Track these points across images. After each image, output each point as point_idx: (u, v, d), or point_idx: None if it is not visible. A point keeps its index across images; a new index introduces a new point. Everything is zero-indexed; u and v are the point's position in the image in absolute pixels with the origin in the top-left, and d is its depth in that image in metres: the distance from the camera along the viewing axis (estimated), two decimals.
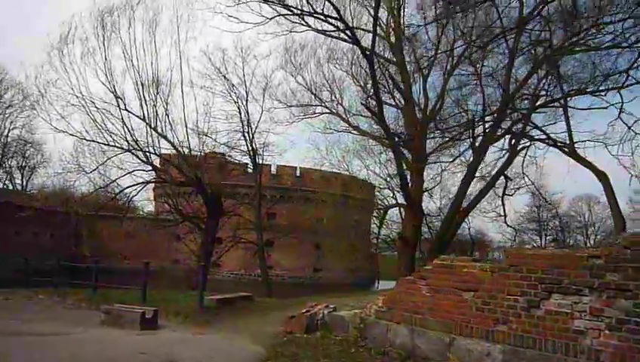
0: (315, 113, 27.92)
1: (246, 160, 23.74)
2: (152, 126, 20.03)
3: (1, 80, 50.21)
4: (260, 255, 24.21)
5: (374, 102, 20.33)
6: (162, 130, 20.21)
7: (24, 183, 58.51)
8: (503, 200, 25.86)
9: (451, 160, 24.42)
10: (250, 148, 23.05)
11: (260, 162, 23.48)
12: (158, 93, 20.22)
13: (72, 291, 15.42)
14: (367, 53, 16.94)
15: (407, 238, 21.10)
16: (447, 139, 22.65)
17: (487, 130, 21.03)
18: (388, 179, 25.52)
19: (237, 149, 23.23)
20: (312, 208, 53.30)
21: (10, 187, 56.45)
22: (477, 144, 21.87)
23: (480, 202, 23.84)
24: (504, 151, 22.88)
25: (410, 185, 20.66)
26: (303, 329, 9.76)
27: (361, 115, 26.66)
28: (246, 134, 23.13)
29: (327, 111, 27.25)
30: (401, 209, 24.79)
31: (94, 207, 22.27)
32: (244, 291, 17.37)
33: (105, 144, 19.36)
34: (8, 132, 55.45)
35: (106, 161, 18.99)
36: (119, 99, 19.77)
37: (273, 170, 50.72)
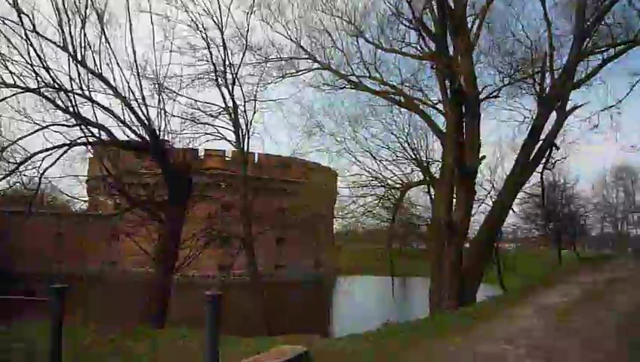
0: (301, 70, 20.43)
1: (223, 121, 15.62)
2: (79, 59, 11.91)
3: None
4: (249, 252, 16.30)
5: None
6: (97, 68, 12.13)
7: None
8: (542, 175, 19.61)
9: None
10: (229, 104, 15.04)
11: (246, 124, 15.52)
12: (87, 10, 12.12)
13: None
14: None
15: (457, 225, 14.19)
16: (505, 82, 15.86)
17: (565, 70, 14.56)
18: (407, 148, 18.39)
19: (209, 104, 15.20)
20: (272, 198, 45.86)
21: None
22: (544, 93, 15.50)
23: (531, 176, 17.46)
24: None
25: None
26: None
27: (355, 75, 19.55)
28: (222, 84, 15.16)
29: (318, 66, 19.86)
30: (430, 186, 17.90)
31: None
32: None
33: None
34: None
35: None
36: (22, 15, 11.47)
37: (228, 155, 42.83)
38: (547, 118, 15.35)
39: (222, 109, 15.37)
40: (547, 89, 15.21)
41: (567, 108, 16.54)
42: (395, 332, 7.63)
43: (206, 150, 41.30)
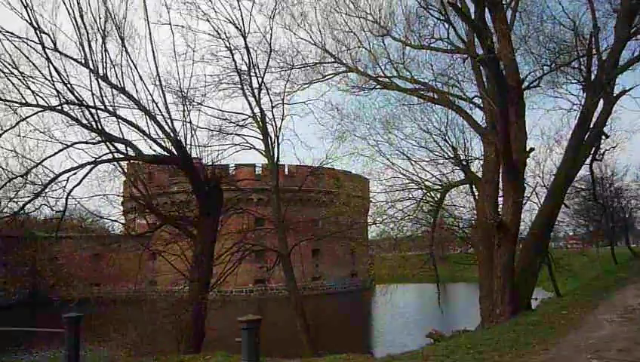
0: (328, 74, 19.65)
1: (252, 130, 14.95)
2: (101, 74, 11.48)
3: None
4: (286, 266, 15.44)
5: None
6: (119, 82, 11.68)
7: None
8: (591, 167, 18.26)
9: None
10: (256, 112, 14.34)
11: (275, 131, 14.78)
12: (107, 23, 11.72)
13: None
14: None
15: (508, 225, 13.05)
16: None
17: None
18: (444, 146, 17.33)
19: (235, 115, 14.60)
20: (305, 209, 45.17)
21: None
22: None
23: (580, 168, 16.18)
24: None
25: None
26: None
27: (385, 75, 18.65)
28: (248, 92, 14.52)
29: (345, 69, 19.06)
30: (473, 187, 16.76)
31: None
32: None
33: (17, 102, 10.65)
34: None
35: (18, 122, 10.32)
36: (44, 35, 11.13)
37: (258, 170, 42.57)
38: (596, 105, 14.12)
39: (248, 117, 14.74)
40: (594, 73, 14.01)
41: (615, 92, 15.37)
42: (459, 347, 6.64)
43: (236, 164, 41.18)
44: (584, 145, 15.00)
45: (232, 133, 14.58)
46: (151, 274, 40.19)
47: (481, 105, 16.30)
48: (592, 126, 14.93)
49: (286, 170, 44.01)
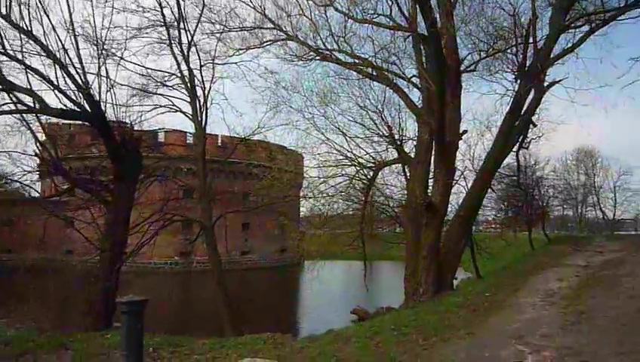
0: (266, 41, 18.73)
1: (178, 91, 13.78)
2: (2, 13, 9.98)
3: None
4: (209, 239, 14.58)
5: None
6: (25, 24, 10.22)
7: None
8: (517, 155, 18.85)
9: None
10: (183, 69, 13.27)
11: (204, 93, 13.75)
12: None
13: None
14: None
15: (436, 205, 13.06)
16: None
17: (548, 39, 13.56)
18: (380, 124, 17.07)
19: (161, 74, 13.40)
20: (237, 183, 44.03)
21: None
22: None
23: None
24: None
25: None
26: None
27: (325, 48, 18.06)
28: (176, 50, 13.35)
29: (284, 37, 18.24)
30: (405, 167, 16.71)
31: None
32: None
33: None
34: None
35: None
36: None
37: (190, 139, 40.74)
38: (529, 93, 14.34)
39: (174, 76, 13.56)
40: (529, 61, 14.18)
41: (546, 83, 15.72)
42: (383, 328, 6.33)
43: (165, 130, 39.25)
44: (512, 132, 15.29)
45: (155, 93, 13.42)
46: (67, 243, 37.69)
47: (419, 85, 16.18)
48: (522, 114, 15.22)
49: (219, 140, 42.48)
